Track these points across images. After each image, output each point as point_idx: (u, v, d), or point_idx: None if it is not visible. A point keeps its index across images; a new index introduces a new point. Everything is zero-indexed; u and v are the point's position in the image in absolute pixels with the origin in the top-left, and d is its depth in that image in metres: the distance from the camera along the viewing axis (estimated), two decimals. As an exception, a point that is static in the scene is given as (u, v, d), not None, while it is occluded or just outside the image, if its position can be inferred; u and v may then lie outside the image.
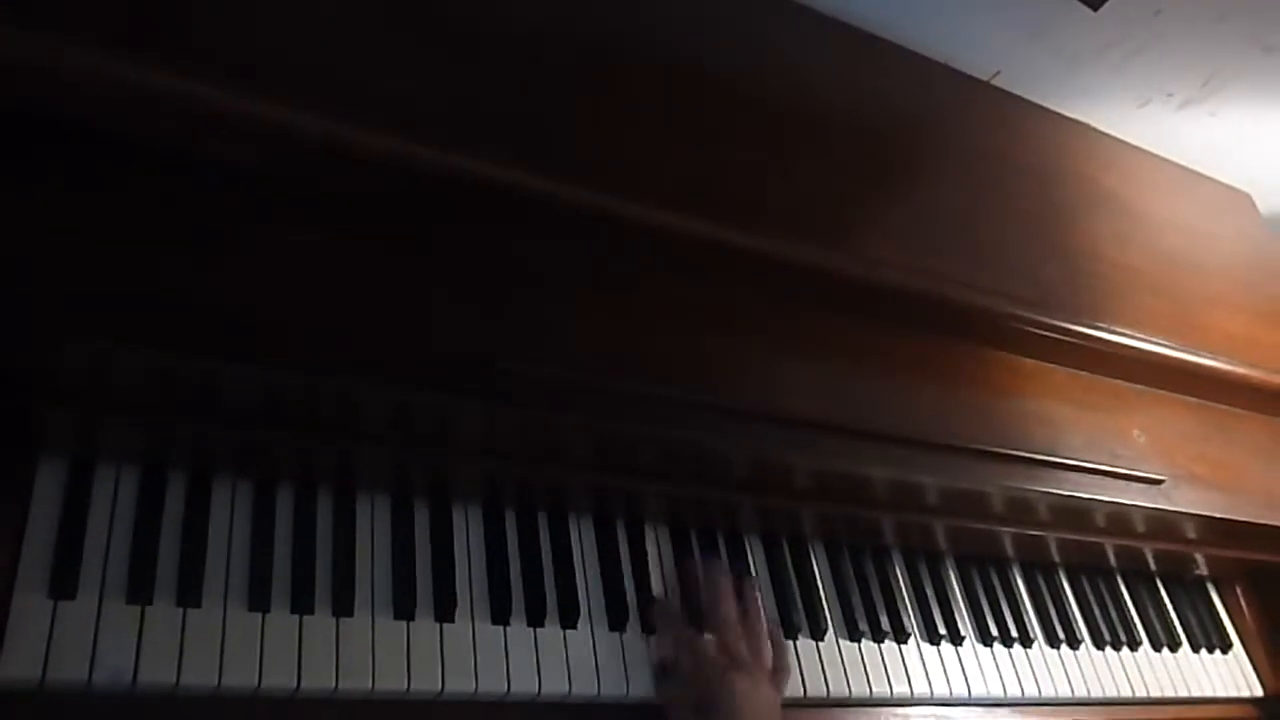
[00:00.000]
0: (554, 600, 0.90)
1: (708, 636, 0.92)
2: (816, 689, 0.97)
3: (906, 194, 1.08)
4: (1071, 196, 1.26)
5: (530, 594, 0.89)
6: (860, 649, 1.03)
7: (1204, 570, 1.36)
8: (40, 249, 0.64)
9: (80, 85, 0.64)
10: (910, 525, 1.09)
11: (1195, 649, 1.29)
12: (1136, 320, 1.14)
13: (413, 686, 0.80)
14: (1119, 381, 1.16)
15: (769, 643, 0.93)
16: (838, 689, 0.99)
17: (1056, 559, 1.24)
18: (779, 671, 0.93)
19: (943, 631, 1.10)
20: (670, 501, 0.99)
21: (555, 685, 0.86)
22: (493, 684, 0.83)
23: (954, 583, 1.15)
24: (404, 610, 0.83)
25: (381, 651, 0.80)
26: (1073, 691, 1.15)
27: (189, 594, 0.75)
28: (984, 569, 1.19)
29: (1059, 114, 1.34)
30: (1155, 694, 1.21)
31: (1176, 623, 1.30)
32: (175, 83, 0.66)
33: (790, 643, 0.99)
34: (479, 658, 0.84)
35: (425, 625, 0.83)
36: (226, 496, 0.81)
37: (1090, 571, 1.28)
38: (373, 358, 0.72)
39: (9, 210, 0.64)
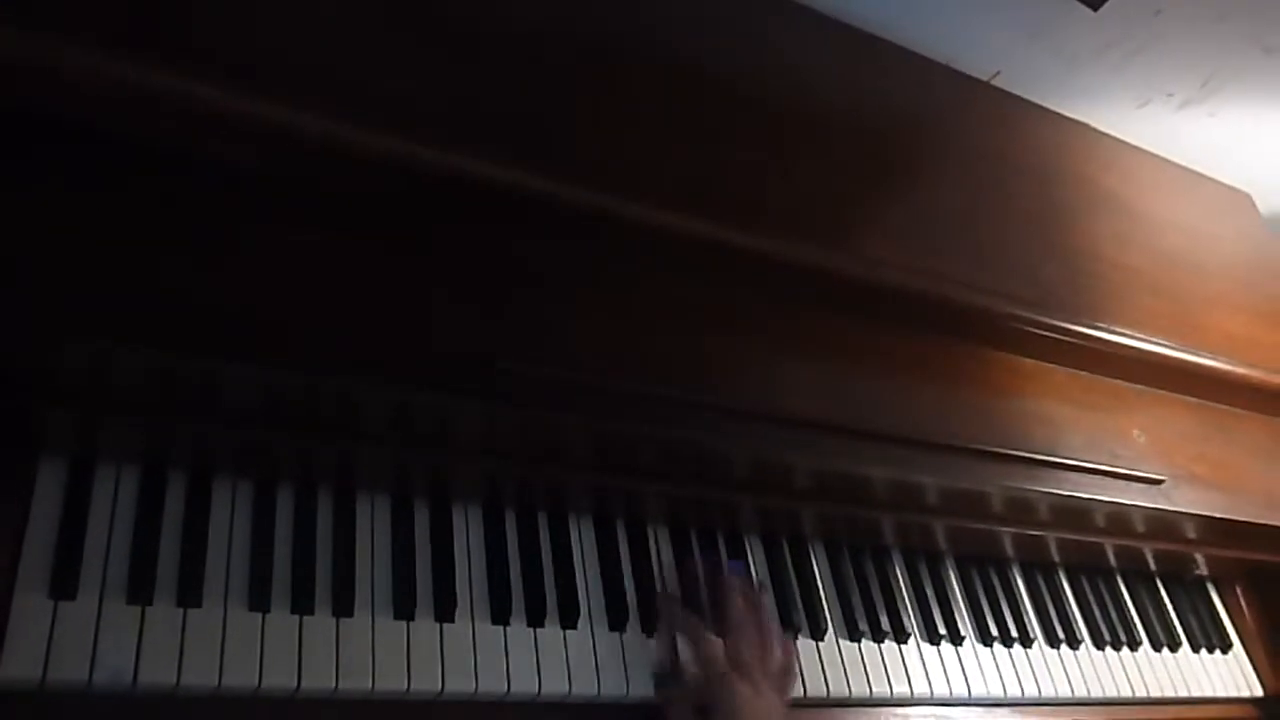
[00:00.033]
0: (554, 600, 0.90)
1: (714, 638, 0.92)
2: (816, 689, 0.97)
3: (906, 194, 1.08)
4: (1071, 196, 1.26)
5: (530, 594, 0.89)
6: (860, 649, 1.03)
7: (1204, 570, 1.36)
8: (40, 249, 0.64)
9: (80, 85, 0.64)
10: (910, 525, 1.09)
11: (1195, 649, 1.29)
12: (1136, 320, 1.14)
13: (413, 686, 0.80)
14: (1119, 381, 1.16)
15: (778, 649, 0.93)
16: (838, 689, 0.99)
17: (1056, 559, 1.24)
18: (785, 678, 0.92)
19: (943, 631, 1.10)
20: (670, 501, 0.99)
21: (555, 685, 0.86)
22: (493, 684, 0.83)
23: (954, 583, 1.15)
24: (404, 610, 0.83)
25: (381, 651, 0.80)
26: (1073, 691, 1.15)
27: (189, 594, 0.75)
28: (984, 569, 1.19)
29: (1059, 114, 1.34)
30: (1155, 694, 1.21)
31: (1176, 623, 1.30)
32: (175, 83, 0.66)
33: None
34: (479, 658, 0.84)
35: (425, 625, 0.83)
36: (227, 496, 0.81)
37: (1090, 571, 1.28)
38: (373, 358, 0.72)
39: (9, 210, 0.64)
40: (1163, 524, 1.16)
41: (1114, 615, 1.25)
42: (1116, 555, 1.27)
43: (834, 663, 1.01)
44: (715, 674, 0.87)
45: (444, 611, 0.84)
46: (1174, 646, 1.27)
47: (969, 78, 1.28)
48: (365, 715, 0.80)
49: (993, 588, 1.18)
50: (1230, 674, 1.30)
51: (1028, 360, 1.10)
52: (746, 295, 0.92)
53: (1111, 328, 1.10)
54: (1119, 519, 1.14)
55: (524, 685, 0.85)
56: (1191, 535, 1.21)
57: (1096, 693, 1.17)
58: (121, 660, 0.71)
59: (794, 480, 0.98)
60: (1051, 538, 1.18)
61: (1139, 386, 1.18)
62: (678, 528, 1.01)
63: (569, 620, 0.90)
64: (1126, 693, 1.19)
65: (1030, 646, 1.16)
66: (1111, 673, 1.20)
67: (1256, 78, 1.39)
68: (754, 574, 1.02)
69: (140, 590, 0.74)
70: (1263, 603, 1.38)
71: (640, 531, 0.99)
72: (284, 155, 0.72)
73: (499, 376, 0.75)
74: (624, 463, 0.90)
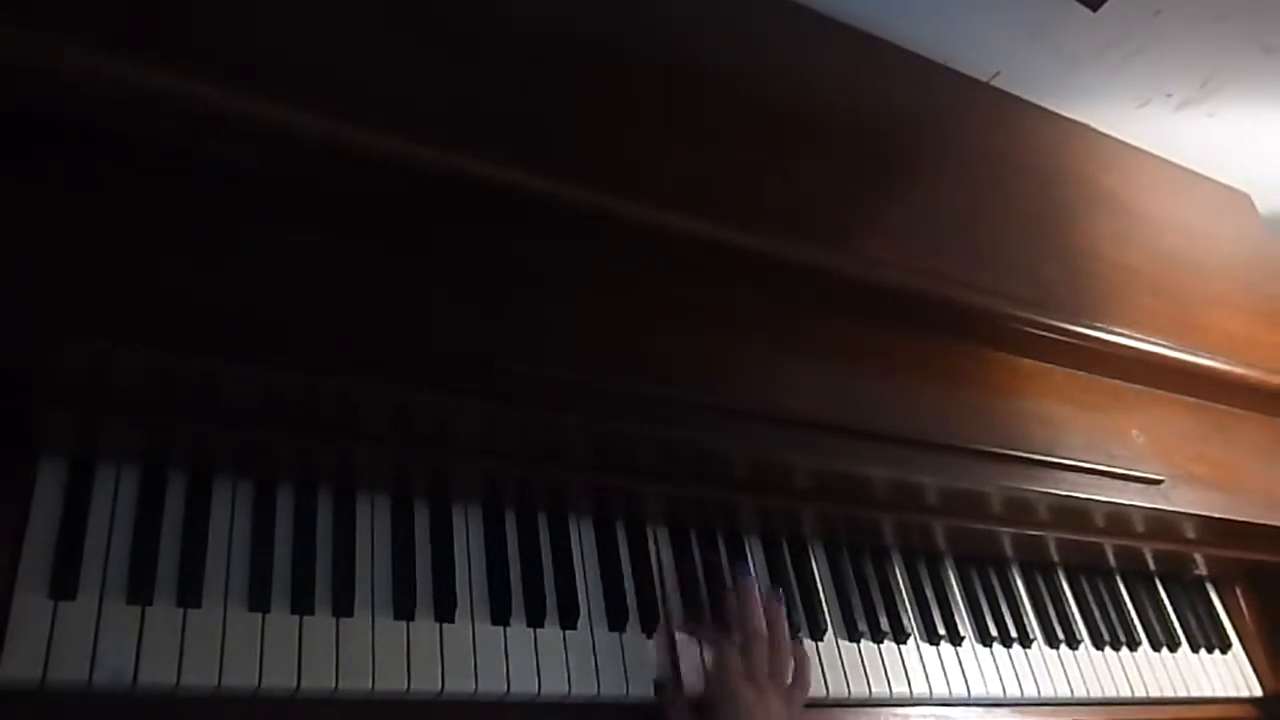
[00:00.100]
0: (554, 601, 0.90)
1: (730, 648, 0.91)
2: (816, 689, 0.97)
3: (906, 194, 1.08)
4: (1071, 196, 1.26)
5: (530, 594, 0.89)
6: (860, 649, 1.03)
7: (1203, 570, 1.36)
8: (40, 249, 0.64)
9: (80, 85, 0.64)
10: (910, 525, 1.09)
11: (1195, 649, 1.29)
12: (1136, 320, 1.14)
13: (413, 687, 0.80)
14: (1118, 381, 1.16)
15: (791, 659, 0.93)
16: (837, 689, 0.99)
17: (1056, 559, 1.24)
18: (796, 688, 0.92)
19: (942, 632, 1.10)
20: (670, 501, 0.99)
21: (555, 685, 0.86)
22: (492, 684, 0.83)
23: (953, 583, 1.15)
24: (404, 610, 0.83)
25: (381, 652, 0.80)
26: (1072, 691, 1.15)
27: (189, 594, 0.75)
28: (983, 569, 1.19)
29: (1059, 114, 1.34)
30: (1155, 694, 1.21)
31: (1176, 623, 1.30)
32: (175, 83, 0.66)
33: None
34: (479, 658, 0.84)
35: (425, 625, 0.83)
36: (227, 496, 0.81)
37: (1089, 571, 1.28)
38: (373, 358, 0.72)
39: (9, 210, 0.63)
40: (1162, 524, 1.16)
41: (1113, 615, 1.25)
42: (1116, 555, 1.27)
43: (833, 663, 1.01)
44: (723, 677, 0.87)
45: (444, 612, 0.84)
46: (1173, 646, 1.27)
47: (969, 78, 1.28)
48: (365, 715, 0.80)
49: (992, 588, 1.18)
50: (1230, 674, 1.30)
51: (1027, 360, 1.10)
52: (746, 295, 0.92)
53: (1111, 328, 1.10)
54: (1118, 519, 1.14)
55: (524, 685, 0.85)
56: (1191, 535, 1.21)
57: (1096, 693, 1.17)
58: (121, 660, 0.71)
59: (794, 480, 0.98)
60: (1051, 538, 1.18)
61: (1138, 386, 1.18)
62: (677, 528, 1.01)
63: (569, 621, 0.90)
64: (1126, 693, 1.19)
65: (1030, 646, 1.16)
66: (1111, 673, 1.20)
67: (1256, 78, 1.39)
68: (753, 573, 1.02)
69: (140, 590, 0.74)
70: (1262, 603, 1.38)
71: (640, 532, 0.99)
72: (284, 155, 0.72)
73: (499, 376, 0.75)
74: (624, 463, 0.90)
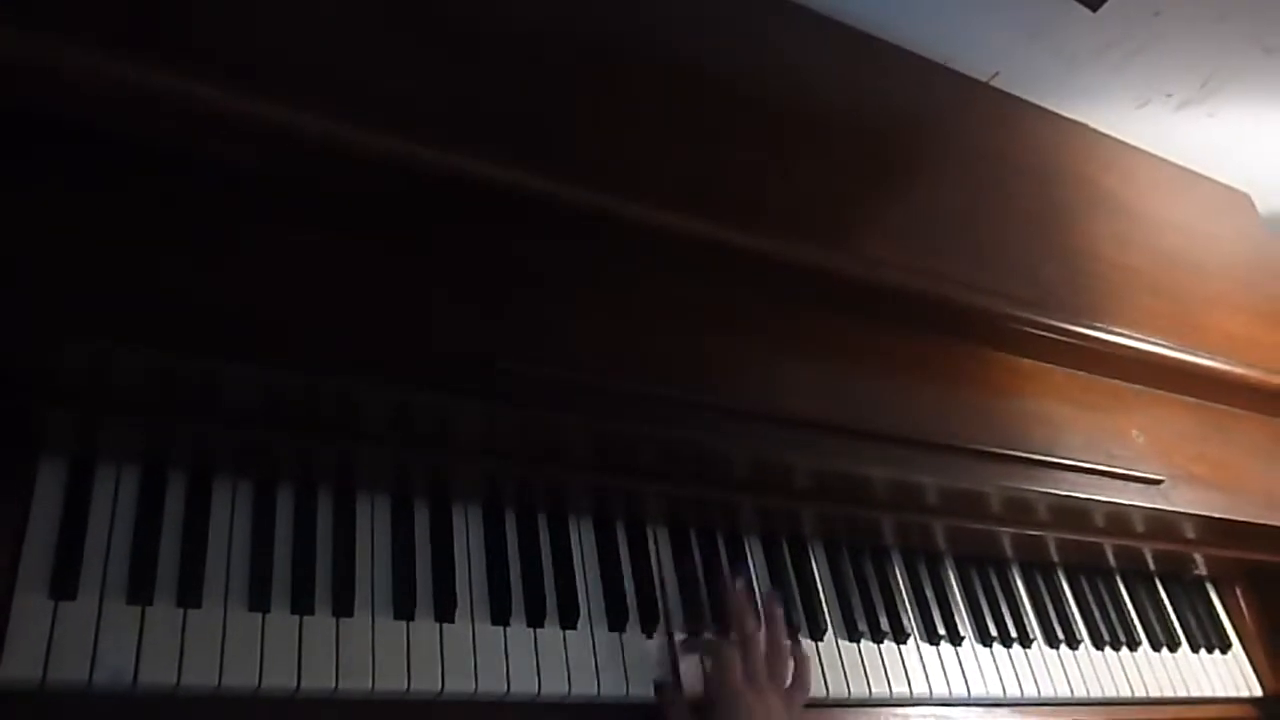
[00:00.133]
0: (554, 601, 0.90)
1: (733, 653, 0.91)
2: (816, 689, 0.97)
3: (906, 194, 1.08)
4: (1071, 196, 1.26)
5: (530, 594, 0.89)
6: (860, 649, 1.03)
7: (1203, 570, 1.36)
8: (40, 249, 0.64)
9: (80, 85, 0.64)
10: (910, 525, 1.09)
11: (1195, 649, 1.29)
12: (1135, 320, 1.14)
13: (413, 687, 0.80)
14: (1118, 381, 1.16)
15: (790, 659, 0.93)
16: (837, 689, 0.99)
17: (1056, 559, 1.24)
18: (796, 688, 0.92)
19: (942, 632, 1.10)
20: (670, 501, 0.99)
21: (555, 685, 0.86)
22: (492, 684, 0.83)
23: (953, 583, 1.15)
24: (404, 610, 0.83)
25: (381, 651, 0.80)
26: (1072, 691, 1.15)
27: (189, 594, 0.75)
28: (983, 569, 1.19)
29: (1058, 114, 1.34)
30: (1155, 694, 1.21)
31: (1176, 623, 1.30)
32: (175, 83, 0.66)
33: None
34: (479, 658, 0.84)
35: (425, 625, 0.83)
36: (227, 496, 0.81)
37: (1089, 571, 1.28)
38: (373, 358, 0.72)
39: (9, 210, 0.63)
40: (1162, 524, 1.16)
41: (1113, 615, 1.25)
42: (1116, 555, 1.27)
43: (833, 663, 1.01)
44: (723, 678, 0.88)
45: (444, 612, 0.84)
46: (1173, 646, 1.27)
47: (968, 78, 1.28)
48: (365, 715, 0.80)
49: (992, 588, 1.18)
50: (1229, 674, 1.30)
51: (1027, 360, 1.10)
52: (746, 295, 0.92)
53: (1111, 328, 1.10)
54: (1118, 519, 1.14)
55: (524, 685, 0.85)
56: (1190, 535, 1.21)
57: (1096, 693, 1.17)
58: (121, 660, 0.71)
59: (794, 480, 0.99)
60: (1051, 538, 1.18)
61: (1138, 386, 1.18)
62: (677, 528, 1.01)
63: (569, 621, 0.90)
64: (1126, 693, 1.19)
65: (1029, 646, 1.16)
66: (1111, 673, 1.20)
67: (1256, 78, 1.39)
68: (753, 576, 1.02)
69: (140, 590, 0.74)
70: (1262, 603, 1.38)
71: (640, 532, 0.99)
72: (284, 155, 0.72)
73: (499, 376, 0.75)
74: (624, 463, 0.90)
